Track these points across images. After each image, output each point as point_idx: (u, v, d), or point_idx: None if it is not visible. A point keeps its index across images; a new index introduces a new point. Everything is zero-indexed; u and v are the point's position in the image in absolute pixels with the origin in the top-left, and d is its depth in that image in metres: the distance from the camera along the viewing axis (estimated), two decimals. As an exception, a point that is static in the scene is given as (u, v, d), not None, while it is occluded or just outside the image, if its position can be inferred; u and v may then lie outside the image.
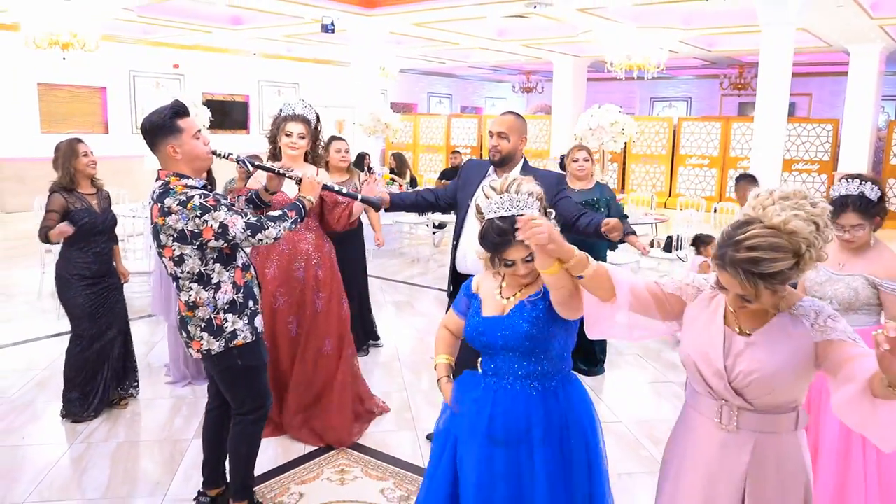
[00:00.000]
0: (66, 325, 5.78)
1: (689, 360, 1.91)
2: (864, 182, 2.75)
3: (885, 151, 12.91)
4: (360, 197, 3.40)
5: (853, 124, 12.59)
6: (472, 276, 2.45)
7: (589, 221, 3.25)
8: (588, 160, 4.82)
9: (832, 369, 1.71)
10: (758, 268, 1.66)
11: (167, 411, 4.22)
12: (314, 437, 3.80)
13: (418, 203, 3.80)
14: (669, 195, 14.73)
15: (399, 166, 10.67)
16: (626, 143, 12.23)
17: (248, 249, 3.12)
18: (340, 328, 3.92)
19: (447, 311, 2.52)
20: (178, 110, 2.68)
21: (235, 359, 2.79)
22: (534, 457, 2.14)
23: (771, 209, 1.70)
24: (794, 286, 2.68)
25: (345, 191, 3.39)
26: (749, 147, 12.06)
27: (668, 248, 7.51)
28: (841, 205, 2.74)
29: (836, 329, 1.73)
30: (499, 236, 2.08)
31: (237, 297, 2.79)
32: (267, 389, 2.97)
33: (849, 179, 2.79)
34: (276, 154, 3.88)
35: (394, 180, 10.17)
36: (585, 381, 4.88)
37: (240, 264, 2.83)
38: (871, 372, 1.57)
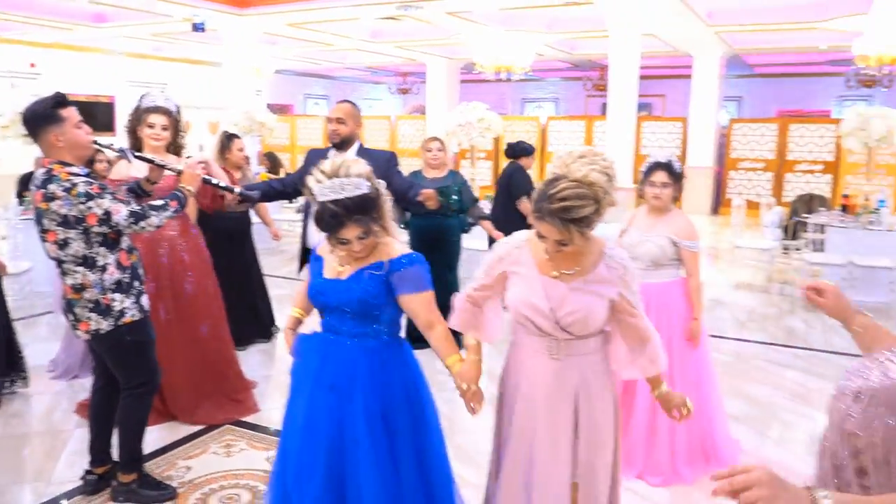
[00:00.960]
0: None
1: (517, 310, 2.25)
2: (671, 157, 3.45)
3: (726, 146, 14.27)
4: (236, 190, 3.63)
5: (698, 122, 13.88)
6: None
7: (414, 193, 3.91)
8: (441, 150, 5.21)
9: (615, 322, 2.26)
10: (569, 214, 2.04)
11: (46, 406, 4.22)
12: (211, 416, 3.96)
13: (267, 193, 4.17)
14: (540, 190, 15.53)
15: (272, 166, 10.79)
16: (497, 142, 12.77)
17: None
18: (215, 310, 4.10)
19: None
20: (60, 101, 2.82)
21: (125, 335, 2.94)
22: (358, 405, 2.30)
23: (573, 166, 2.10)
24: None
25: (222, 184, 3.60)
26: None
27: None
28: (655, 166, 3.44)
29: (631, 290, 2.22)
30: (332, 218, 2.19)
31: (123, 278, 2.94)
32: (156, 364, 3.13)
33: (660, 153, 3.52)
34: (136, 145, 3.96)
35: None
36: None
37: (124, 247, 2.98)
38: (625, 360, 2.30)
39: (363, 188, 2.22)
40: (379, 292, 2.30)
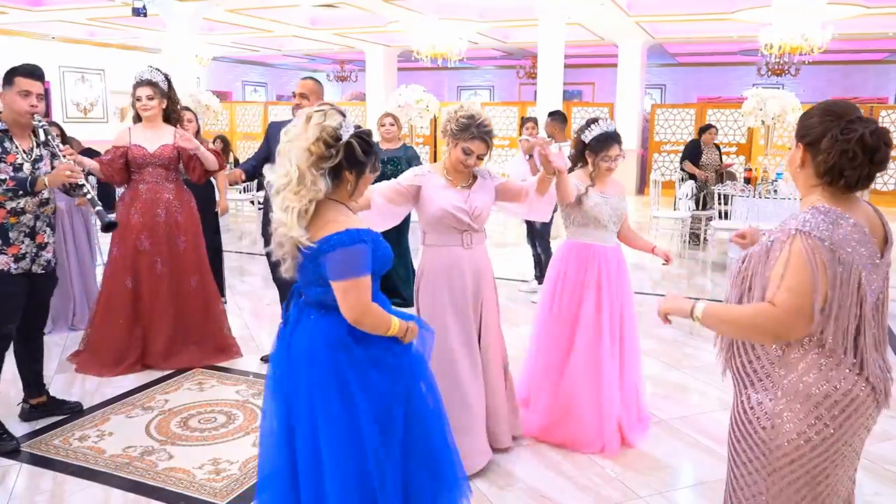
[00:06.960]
0: None
1: (444, 213, 2.96)
2: (605, 121, 3.42)
3: (649, 131, 15.18)
4: (97, 208, 3.49)
5: (624, 108, 14.70)
6: None
7: None
8: (393, 125, 5.81)
9: (508, 196, 3.20)
10: (492, 135, 2.95)
11: None
12: (191, 360, 4.37)
13: (256, 169, 4.54)
14: (477, 174, 16.16)
15: (224, 150, 11.04)
16: (434, 126, 13.28)
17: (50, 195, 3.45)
18: (201, 268, 4.51)
19: (359, 297, 2.05)
20: (22, 71, 3.24)
21: None
22: None
23: (477, 109, 2.96)
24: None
25: (90, 196, 3.47)
26: (540, 127, 13.68)
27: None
28: (607, 138, 3.36)
29: (498, 178, 3.19)
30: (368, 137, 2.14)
31: None
32: (8, 316, 3.30)
33: (596, 122, 3.42)
34: (139, 118, 4.36)
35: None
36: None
37: (7, 207, 3.25)
38: (532, 184, 3.13)
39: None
40: None
